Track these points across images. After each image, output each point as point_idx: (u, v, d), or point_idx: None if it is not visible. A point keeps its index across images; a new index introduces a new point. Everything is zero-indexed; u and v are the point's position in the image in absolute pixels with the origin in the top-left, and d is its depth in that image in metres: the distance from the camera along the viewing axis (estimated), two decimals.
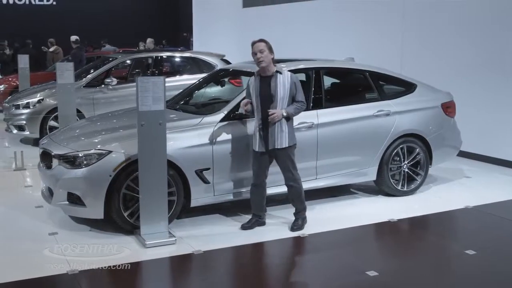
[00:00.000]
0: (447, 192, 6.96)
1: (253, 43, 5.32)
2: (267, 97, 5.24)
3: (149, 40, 16.84)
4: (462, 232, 5.99)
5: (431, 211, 6.22)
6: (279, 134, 5.25)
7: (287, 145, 5.29)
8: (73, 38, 13.87)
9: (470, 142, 8.09)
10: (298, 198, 5.53)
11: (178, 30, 26.63)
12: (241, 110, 5.51)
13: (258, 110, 5.28)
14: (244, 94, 5.67)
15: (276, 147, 5.26)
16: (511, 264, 4.94)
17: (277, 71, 5.30)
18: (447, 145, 7.09)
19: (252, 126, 5.54)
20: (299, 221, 5.55)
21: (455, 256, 5.13)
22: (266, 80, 5.28)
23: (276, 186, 5.82)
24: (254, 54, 5.26)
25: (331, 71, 6.91)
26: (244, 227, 5.53)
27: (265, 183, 5.50)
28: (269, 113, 5.18)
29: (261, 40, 5.34)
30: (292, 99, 5.31)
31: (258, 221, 5.59)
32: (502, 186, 7.25)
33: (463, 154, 8.13)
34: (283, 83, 5.26)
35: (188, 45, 21.48)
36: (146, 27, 26.66)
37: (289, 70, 6.29)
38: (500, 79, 8.14)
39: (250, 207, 5.61)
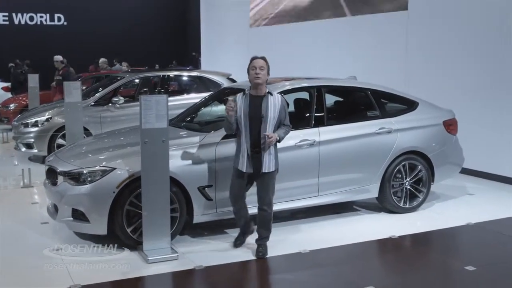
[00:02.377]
0: (450, 209, 7.00)
1: (254, 58, 5.22)
2: (256, 118, 5.11)
3: (101, 60, 17.02)
4: (462, 249, 6.02)
5: (432, 228, 6.26)
6: (268, 157, 5.16)
7: (274, 169, 5.24)
8: (60, 58, 13.74)
9: (474, 160, 8.13)
10: (267, 225, 5.37)
11: (188, 50, 26.90)
12: (227, 112, 5.22)
13: (247, 130, 5.14)
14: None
15: (264, 171, 5.17)
16: (511, 280, 4.96)
17: (268, 92, 5.22)
18: (450, 162, 7.13)
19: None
20: (261, 248, 5.36)
21: (455, 272, 5.15)
22: (256, 100, 5.17)
23: (275, 203, 5.86)
24: (253, 68, 5.15)
25: (333, 89, 7.00)
26: (236, 244, 5.52)
27: (245, 203, 5.42)
28: (268, 136, 5.06)
29: (263, 58, 5.24)
30: (280, 122, 5.24)
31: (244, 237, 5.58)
32: (504, 203, 7.27)
33: (466, 172, 8.18)
34: (274, 104, 5.16)
35: (196, 65, 21.70)
36: (156, 47, 27.05)
37: (293, 88, 6.47)
38: (503, 96, 8.19)
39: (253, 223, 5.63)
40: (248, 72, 5.25)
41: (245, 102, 5.21)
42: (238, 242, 5.53)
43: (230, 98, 5.33)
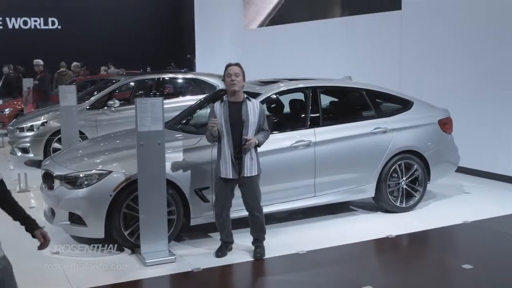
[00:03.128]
0: (446, 207, 7.02)
1: (229, 65, 5.23)
2: (237, 123, 5.12)
3: (74, 64, 17.05)
4: (459, 247, 6.05)
5: (429, 227, 6.28)
6: (250, 161, 5.16)
7: (256, 173, 5.22)
8: (40, 62, 13.60)
9: (469, 158, 8.16)
10: (261, 229, 5.40)
11: (182, 52, 26.92)
12: (211, 128, 5.13)
13: (229, 136, 5.13)
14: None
15: (246, 174, 5.17)
16: (508, 278, 4.98)
17: (246, 98, 5.24)
18: (445, 161, 7.16)
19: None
20: (258, 249, 5.38)
21: (452, 270, 5.18)
22: (236, 106, 5.17)
23: (271, 205, 5.97)
24: (228, 75, 5.16)
25: (329, 90, 7.03)
26: (218, 255, 5.40)
27: (229, 212, 5.39)
28: (247, 139, 5.07)
29: (237, 65, 5.25)
30: (259, 127, 5.23)
31: (228, 247, 5.50)
32: (500, 201, 7.30)
33: (462, 170, 8.20)
34: (253, 109, 5.18)
35: (191, 67, 21.72)
36: (151, 50, 27.05)
37: (288, 89, 6.50)
38: (498, 95, 8.22)
39: (246, 225, 5.56)
40: (224, 79, 5.28)
41: (224, 109, 5.19)
42: (220, 254, 5.41)
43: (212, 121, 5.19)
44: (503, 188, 7.95)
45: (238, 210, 5.62)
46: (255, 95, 5.91)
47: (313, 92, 6.50)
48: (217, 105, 5.26)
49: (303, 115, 6.48)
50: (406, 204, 6.78)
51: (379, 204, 6.78)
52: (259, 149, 5.33)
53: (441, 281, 4.91)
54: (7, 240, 5.88)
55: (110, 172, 5.39)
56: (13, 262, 5.24)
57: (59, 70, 16.20)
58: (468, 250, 5.77)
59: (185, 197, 5.58)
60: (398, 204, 6.72)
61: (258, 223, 5.38)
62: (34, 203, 7.55)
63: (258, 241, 5.44)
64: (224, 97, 5.32)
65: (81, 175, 5.44)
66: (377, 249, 5.81)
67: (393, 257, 5.62)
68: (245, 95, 5.27)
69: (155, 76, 11.52)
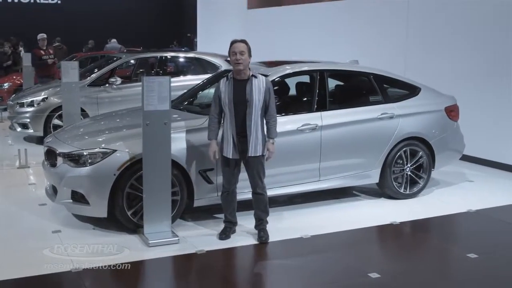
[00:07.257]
0: (450, 195, 6.97)
1: (234, 42, 5.10)
2: (241, 102, 5.04)
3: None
4: (464, 236, 6.01)
5: (433, 214, 6.23)
6: (255, 141, 5.09)
7: (260, 153, 5.15)
8: None
9: (474, 146, 8.09)
10: (265, 208, 5.35)
11: (183, 31, 26.69)
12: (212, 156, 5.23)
13: (232, 115, 5.06)
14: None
15: (251, 154, 5.11)
16: None
17: (252, 75, 5.11)
18: (450, 148, 7.10)
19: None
20: (262, 233, 5.33)
21: (457, 259, 5.15)
22: (241, 84, 5.08)
23: (275, 188, 5.93)
24: (233, 53, 5.03)
25: (336, 74, 6.91)
26: (222, 237, 5.36)
27: (236, 188, 5.37)
28: (269, 151, 5.15)
29: (243, 41, 5.11)
30: (265, 105, 5.14)
31: (232, 229, 5.46)
32: (504, 190, 7.26)
33: (466, 158, 8.15)
34: (258, 87, 5.06)
35: (192, 46, 21.54)
36: (150, 28, 26.83)
37: (294, 72, 6.41)
38: (504, 83, 8.14)
39: (250, 208, 5.54)
40: (229, 56, 5.16)
41: (229, 87, 5.11)
42: (224, 236, 5.36)
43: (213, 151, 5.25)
44: (507, 177, 7.89)
45: (243, 193, 5.58)
46: None
47: (320, 75, 6.40)
48: (223, 82, 5.19)
49: (310, 99, 6.40)
50: (410, 190, 6.73)
51: (383, 190, 6.73)
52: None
53: (446, 270, 4.88)
54: (6, 219, 5.89)
55: (114, 151, 5.31)
56: (14, 241, 5.24)
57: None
58: (473, 239, 5.71)
59: (189, 178, 5.52)
60: (402, 190, 6.67)
61: (261, 201, 5.33)
62: (33, 179, 7.49)
63: (260, 222, 5.38)
64: (229, 74, 5.23)
65: (85, 153, 5.36)
66: (382, 236, 5.78)
67: (397, 244, 5.59)
68: (251, 73, 5.16)
69: (157, 55, 11.41)
